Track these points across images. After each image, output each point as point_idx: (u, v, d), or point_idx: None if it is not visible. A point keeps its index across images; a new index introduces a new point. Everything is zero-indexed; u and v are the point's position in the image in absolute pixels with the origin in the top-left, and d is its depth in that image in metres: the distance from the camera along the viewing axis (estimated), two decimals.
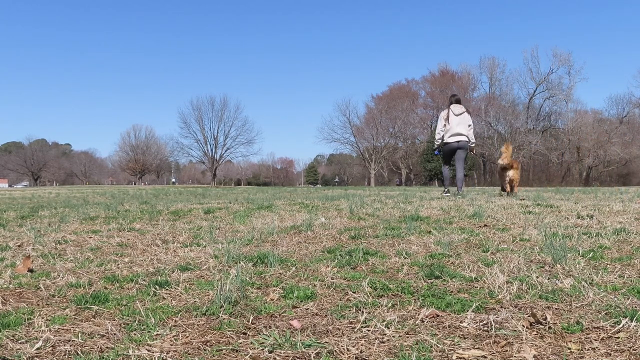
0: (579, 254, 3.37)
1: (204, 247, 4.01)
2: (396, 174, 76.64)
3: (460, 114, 8.77)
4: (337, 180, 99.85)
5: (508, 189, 8.74)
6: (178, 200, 11.11)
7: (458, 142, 8.69)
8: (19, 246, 4.18)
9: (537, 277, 2.74)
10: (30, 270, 3.16)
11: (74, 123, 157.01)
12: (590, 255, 3.31)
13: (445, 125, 8.80)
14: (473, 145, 8.98)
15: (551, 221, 5.11)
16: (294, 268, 3.17)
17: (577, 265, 3.02)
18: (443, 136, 8.92)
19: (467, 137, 8.79)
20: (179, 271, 3.13)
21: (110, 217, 6.43)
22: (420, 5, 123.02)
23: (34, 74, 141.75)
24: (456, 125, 8.64)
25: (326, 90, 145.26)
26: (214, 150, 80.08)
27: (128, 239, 4.50)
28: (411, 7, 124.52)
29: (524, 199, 8.08)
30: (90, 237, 4.62)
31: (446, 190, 9.54)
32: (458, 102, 9.08)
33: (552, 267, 3.03)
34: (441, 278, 2.81)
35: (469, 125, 8.80)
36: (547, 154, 63.94)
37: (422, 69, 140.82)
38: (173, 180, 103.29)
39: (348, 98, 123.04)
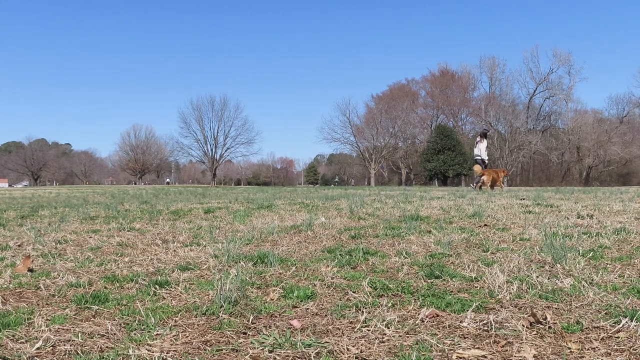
0: (579, 253, 3.37)
1: (204, 246, 4.00)
2: (396, 174, 76.49)
3: None
4: (337, 180, 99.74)
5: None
6: (178, 200, 11.11)
7: None
8: (19, 246, 4.18)
9: (537, 277, 2.74)
10: (31, 270, 3.16)
11: (74, 123, 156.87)
12: (590, 255, 3.31)
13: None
14: None
15: (551, 221, 5.11)
16: (294, 268, 3.17)
17: (577, 265, 3.02)
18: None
19: None
20: (179, 271, 3.13)
21: (110, 216, 6.43)
22: (420, 5, 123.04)
23: (34, 74, 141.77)
24: None
25: (326, 90, 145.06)
26: (214, 150, 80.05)
27: (128, 239, 4.50)
28: (411, 7, 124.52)
29: (524, 199, 8.07)
30: (90, 237, 4.61)
31: None
32: None
33: (552, 267, 3.03)
34: (441, 278, 2.81)
35: None
36: (547, 154, 63.90)
37: (422, 69, 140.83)
38: (168, 180, 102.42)
39: (348, 98, 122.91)
